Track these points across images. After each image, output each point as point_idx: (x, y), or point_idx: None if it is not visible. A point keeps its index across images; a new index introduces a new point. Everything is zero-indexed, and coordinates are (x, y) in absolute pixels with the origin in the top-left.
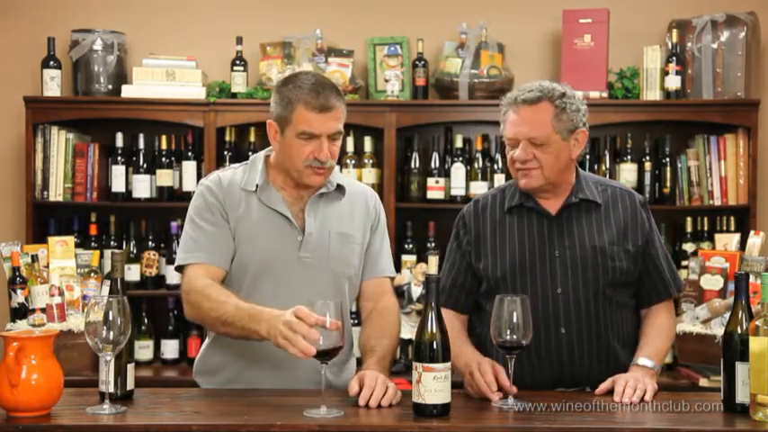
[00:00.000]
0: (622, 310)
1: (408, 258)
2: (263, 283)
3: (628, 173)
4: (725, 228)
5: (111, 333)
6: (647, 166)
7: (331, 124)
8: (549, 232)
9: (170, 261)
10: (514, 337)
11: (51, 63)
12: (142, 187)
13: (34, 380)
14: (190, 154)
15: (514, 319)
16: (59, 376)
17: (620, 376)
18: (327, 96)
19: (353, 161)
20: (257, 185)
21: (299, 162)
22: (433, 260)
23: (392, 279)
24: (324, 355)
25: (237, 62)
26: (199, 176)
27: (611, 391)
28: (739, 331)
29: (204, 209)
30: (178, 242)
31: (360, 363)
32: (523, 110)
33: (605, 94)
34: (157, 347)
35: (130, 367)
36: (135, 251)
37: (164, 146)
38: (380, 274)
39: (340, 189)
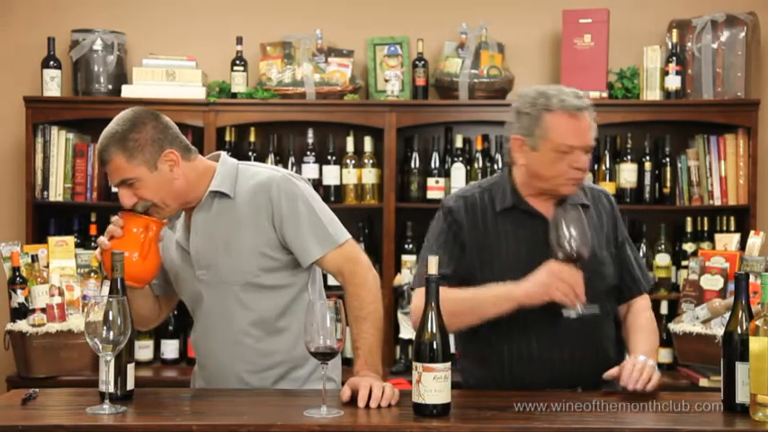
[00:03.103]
0: (610, 314)
1: (408, 258)
2: (191, 305)
3: (628, 173)
4: (725, 228)
5: (111, 333)
6: (647, 166)
7: (111, 176)
8: (545, 237)
9: None
10: (574, 245)
11: (51, 63)
12: None
13: (151, 255)
14: None
15: (574, 231)
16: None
17: (626, 362)
18: (100, 149)
19: (353, 161)
20: (170, 217)
21: None
22: (434, 260)
23: (340, 245)
24: (324, 356)
25: (237, 62)
26: None
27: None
28: (739, 331)
29: None
30: None
31: (346, 362)
32: (583, 117)
33: (605, 94)
34: (157, 347)
35: (130, 367)
36: None
37: None
38: (312, 258)
39: (222, 195)
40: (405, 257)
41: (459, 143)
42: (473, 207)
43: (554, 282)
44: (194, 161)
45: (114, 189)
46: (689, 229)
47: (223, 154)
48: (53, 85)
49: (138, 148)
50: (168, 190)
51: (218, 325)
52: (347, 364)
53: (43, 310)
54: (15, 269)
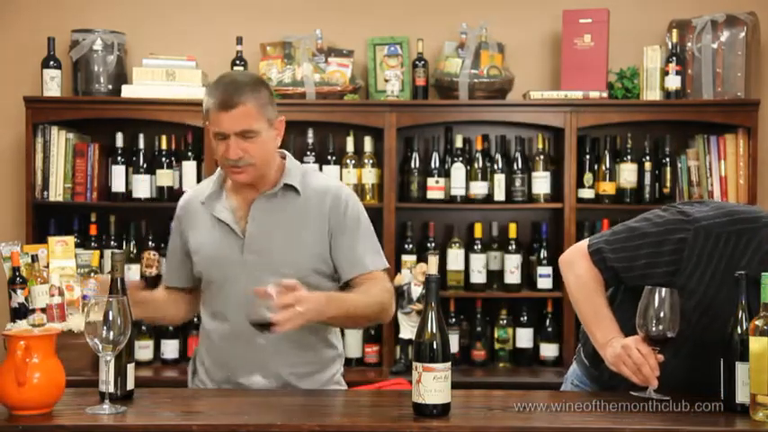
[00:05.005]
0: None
1: (408, 258)
2: (220, 289)
3: (628, 173)
4: None
5: (111, 333)
6: (647, 166)
7: (238, 122)
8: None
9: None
10: (660, 329)
11: (51, 63)
12: (142, 187)
13: (38, 378)
14: (190, 154)
15: (663, 311)
16: (61, 375)
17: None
18: (232, 93)
19: (353, 161)
20: (206, 197)
21: (220, 162)
22: (433, 260)
23: (385, 269)
24: (263, 327)
25: (237, 62)
26: (199, 176)
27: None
28: (739, 331)
29: (171, 231)
30: None
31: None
32: None
33: (605, 94)
34: (157, 347)
35: (130, 367)
36: (135, 251)
37: (164, 146)
38: (363, 270)
39: (292, 189)
40: (405, 257)
41: (459, 143)
42: (712, 248)
43: (623, 357)
44: None
45: (115, 189)
46: None
47: (288, 153)
48: (53, 85)
49: (267, 103)
50: (269, 154)
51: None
52: (348, 365)
53: (43, 310)
54: (15, 269)
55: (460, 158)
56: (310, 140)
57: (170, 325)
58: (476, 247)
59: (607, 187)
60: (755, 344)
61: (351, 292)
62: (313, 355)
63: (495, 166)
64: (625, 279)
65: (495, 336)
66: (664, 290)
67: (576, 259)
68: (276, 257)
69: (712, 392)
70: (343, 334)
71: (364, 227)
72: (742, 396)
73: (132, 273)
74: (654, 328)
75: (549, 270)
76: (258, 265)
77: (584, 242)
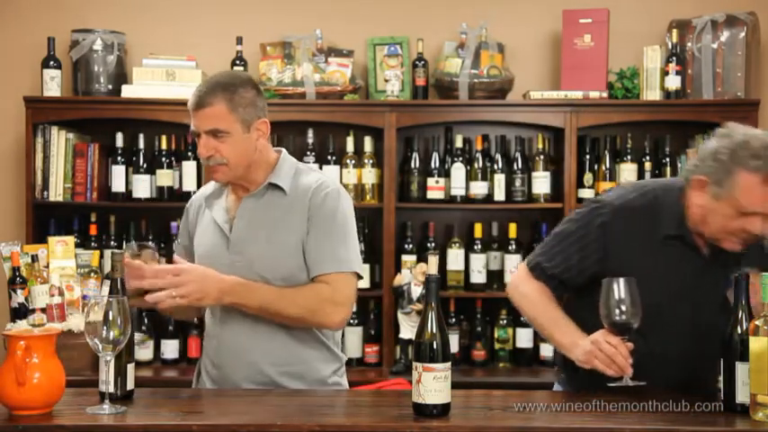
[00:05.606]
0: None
1: (408, 258)
2: None
3: (628, 173)
4: None
5: (111, 333)
6: (647, 166)
7: (206, 121)
8: (702, 275)
9: (170, 261)
10: (624, 317)
11: (51, 63)
12: (142, 187)
13: (38, 378)
14: (190, 154)
15: (624, 300)
16: (61, 375)
17: None
18: (203, 93)
19: (353, 161)
20: (207, 196)
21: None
22: (433, 260)
23: (347, 273)
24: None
25: (237, 62)
26: (199, 176)
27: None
28: (739, 331)
29: (180, 226)
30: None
31: (350, 362)
32: None
33: (605, 94)
34: (157, 347)
35: (130, 367)
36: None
37: (164, 146)
38: (319, 271)
39: (278, 189)
40: (405, 257)
41: (459, 143)
42: (629, 222)
43: (594, 351)
44: (269, 144)
45: (115, 189)
46: None
47: (284, 150)
48: (53, 85)
49: (242, 104)
50: (246, 156)
51: (249, 315)
52: (348, 365)
53: (43, 310)
54: (15, 269)
55: (460, 158)
56: (310, 140)
57: (190, 320)
58: (476, 247)
59: (607, 187)
60: (755, 344)
61: (282, 288)
62: (290, 354)
63: (495, 166)
64: (568, 281)
65: (495, 336)
66: (621, 279)
67: (521, 281)
68: (258, 258)
69: (685, 368)
70: (343, 335)
71: (339, 225)
72: (742, 396)
73: None
74: (618, 318)
75: None
76: (242, 265)
77: (523, 264)
